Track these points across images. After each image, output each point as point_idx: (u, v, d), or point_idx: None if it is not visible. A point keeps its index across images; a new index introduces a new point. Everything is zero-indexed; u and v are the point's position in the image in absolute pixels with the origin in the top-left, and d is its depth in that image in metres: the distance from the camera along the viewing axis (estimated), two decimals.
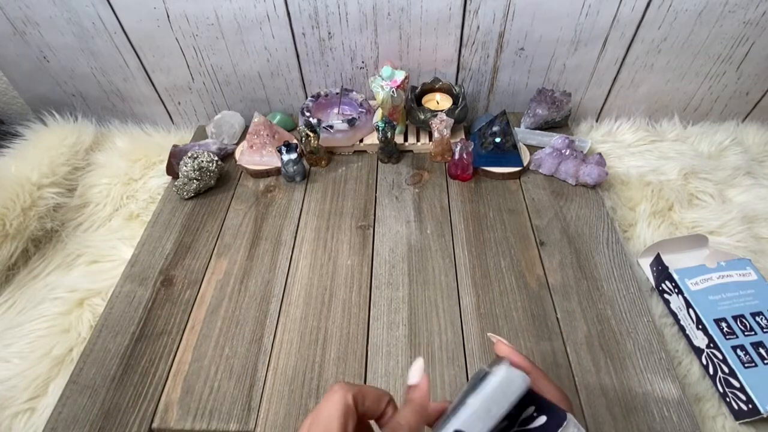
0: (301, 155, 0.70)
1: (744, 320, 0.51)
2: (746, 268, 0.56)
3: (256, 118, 0.72)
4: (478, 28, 0.73)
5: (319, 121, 0.71)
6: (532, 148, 0.75)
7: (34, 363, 0.53)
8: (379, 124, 0.68)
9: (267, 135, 0.72)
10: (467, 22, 0.73)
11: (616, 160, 0.76)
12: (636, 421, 0.45)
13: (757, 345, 0.49)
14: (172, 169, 0.72)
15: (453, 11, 0.71)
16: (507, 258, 0.59)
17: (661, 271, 0.57)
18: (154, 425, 0.46)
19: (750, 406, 0.46)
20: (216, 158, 0.69)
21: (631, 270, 0.57)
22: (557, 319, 0.53)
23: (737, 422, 0.47)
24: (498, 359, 0.31)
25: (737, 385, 0.47)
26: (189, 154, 0.68)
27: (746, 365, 0.48)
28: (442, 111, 0.72)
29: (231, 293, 0.57)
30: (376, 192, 0.69)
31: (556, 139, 0.70)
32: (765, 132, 0.82)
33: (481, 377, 0.28)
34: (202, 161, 0.68)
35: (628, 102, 0.84)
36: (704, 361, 0.51)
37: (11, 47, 0.77)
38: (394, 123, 0.70)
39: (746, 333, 0.50)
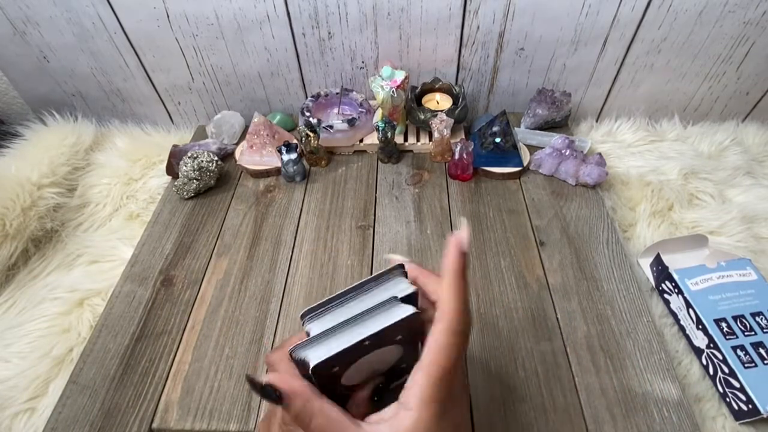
0: (301, 155, 0.70)
1: (744, 320, 0.51)
2: (746, 268, 0.56)
3: (256, 118, 0.72)
4: (478, 28, 0.73)
5: (319, 121, 0.71)
6: (532, 148, 0.75)
7: (34, 363, 0.53)
8: (379, 124, 0.68)
9: (267, 135, 0.72)
10: (467, 22, 0.73)
11: (616, 160, 0.76)
12: (636, 422, 0.45)
13: (757, 345, 0.49)
14: (172, 169, 0.72)
15: (453, 11, 0.71)
16: (507, 258, 0.59)
17: (661, 271, 0.57)
18: (154, 425, 0.46)
19: (750, 406, 0.46)
20: (216, 158, 0.69)
21: (631, 270, 0.57)
22: (557, 319, 0.53)
23: (737, 422, 0.47)
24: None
25: (737, 385, 0.47)
26: (189, 154, 0.68)
27: (746, 365, 0.48)
28: (442, 111, 0.72)
29: (231, 293, 0.57)
30: (376, 192, 0.69)
31: (556, 139, 0.70)
32: (765, 132, 0.82)
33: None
34: (202, 161, 0.68)
35: (628, 102, 0.84)
36: (704, 362, 0.51)
37: (11, 47, 0.77)
38: (394, 123, 0.70)
39: (746, 333, 0.50)
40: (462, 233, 0.29)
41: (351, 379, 0.29)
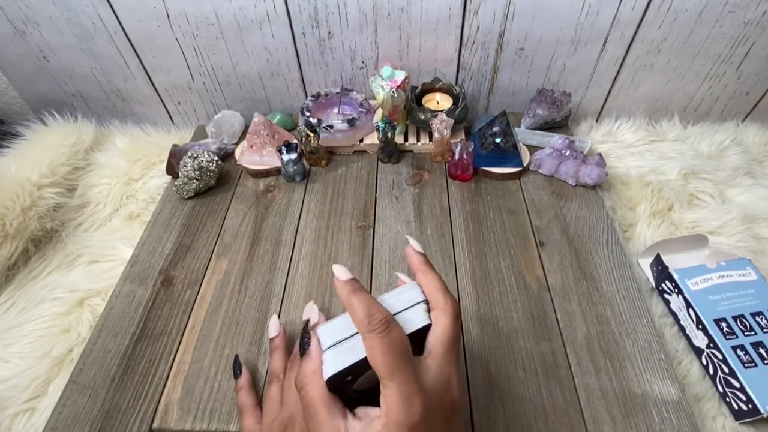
0: (301, 155, 0.70)
1: (744, 320, 0.51)
2: (746, 268, 0.56)
3: (256, 118, 0.72)
4: (478, 28, 0.73)
5: (319, 121, 0.71)
6: (532, 149, 0.75)
7: (34, 363, 0.53)
8: (379, 124, 0.68)
9: (267, 135, 0.72)
10: (467, 22, 0.73)
11: (616, 160, 0.76)
12: (635, 422, 0.45)
13: (757, 345, 0.49)
14: (172, 169, 0.72)
15: (453, 11, 0.71)
16: (507, 258, 0.59)
17: (661, 271, 0.57)
18: (155, 426, 0.46)
19: (750, 406, 0.46)
20: (216, 158, 0.69)
21: (631, 270, 0.57)
22: (557, 319, 0.53)
23: (737, 422, 0.47)
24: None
25: (737, 385, 0.47)
26: (189, 154, 0.68)
27: (746, 365, 0.48)
28: (442, 111, 0.72)
29: (231, 293, 0.57)
30: (376, 192, 0.69)
31: (556, 139, 0.70)
32: (765, 132, 0.82)
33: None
34: (202, 161, 0.68)
35: (628, 102, 0.84)
36: (704, 361, 0.51)
37: (11, 47, 0.77)
38: (394, 123, 0.70)
39: (746, 333, 0.50)
40: (411, 244, 0.35)
41: (361, 385, 0.30)
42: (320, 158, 0.73)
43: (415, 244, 0.34)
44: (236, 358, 0.48)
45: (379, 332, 0.28)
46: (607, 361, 0.49)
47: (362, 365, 0.29)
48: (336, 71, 0.81)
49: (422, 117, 0.73)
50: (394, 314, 0.30)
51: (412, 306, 0.31)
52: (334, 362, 0.29)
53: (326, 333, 0.30)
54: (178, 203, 0.69)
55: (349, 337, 0.30)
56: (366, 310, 0.28)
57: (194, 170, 0.67)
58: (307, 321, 0.34)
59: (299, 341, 0.32)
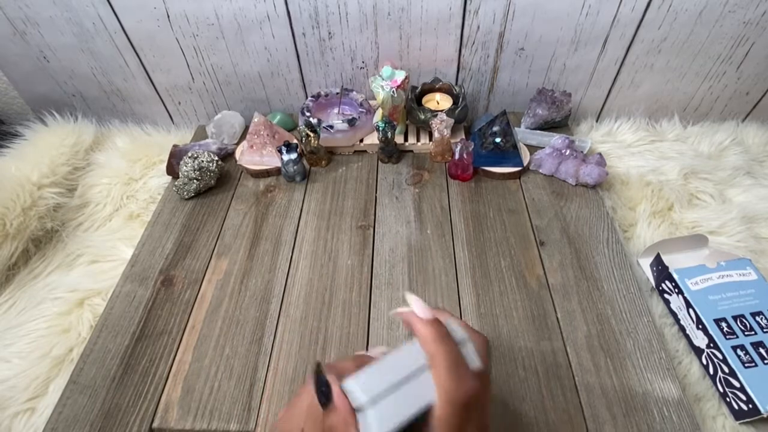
0: (301, 155, 0.70)
1: (744, 320, 0.51)
2: (746, 268, 0.56)
3: (256, 118, 0.72)
4: (478, 28, 0.73)
5: (319, 121, 0.71)
6: (532, 148, 0.75)
7: (34, 363, 0.53)
8: (380, 124, 0.68)
9: (267, 135, 0.72)
10: (467, 22, 0.73)
11: (616, 160, 0.76)
12: (636, 421, 0.45)
13: (757, 345, 0.49)
14: (172, 169, 0.72)
15: (453, 11, 0.71)
16: (507, 258, 0.59)
17: (661, 271, 0.57)
18: (155, 425, 0.46)
19: (750, 406, 0.46)
20: (216, 158, 0.69)
21: (631, 270, 0.57)
22: (557, 319, 0.53)
23: (737, 422, 0.47)
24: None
25: (737, 385, 0.47)
26: (189, 154, 0.68)
27: (746, 365, 0.48)
28: (442, 111, 0.72)
29: (231, 293, 0.57)
30: (376, 192, 0.69)
31: (556, 139, 0.70)
32: (765, 132, 0.82)
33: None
34: (203, 161, 0.68)
35: (628, 102, 0.84)
36: (704, 361, 0.51)
37: (11, 47, 0.77)
38: (394, 123, 0.70)
39: (746, 333, 0.50)
40: (414, 306, 0.29)
41: None
42: (320, 158, 0.73)
43: (418, 307, 0.28)
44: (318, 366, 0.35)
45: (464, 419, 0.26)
46: (607, 360, 0.49)
47: (406, 427, 0.27)
48: (336, 71, 0.81)
49: (422, 117, 0.73)
50: (394, 384, 0.28)
51: (418, 371, 0.28)
52: (380, 424, 0.26)
53: (358, 387, 0.27)
54: (179, 203, 0.69)
55: (386, 392, 0.27)
56: (456, 377, 0.26)
57: (194, 170, 0.67)
58: (318, 363, 0.29)
59: (315, 388, 0.28)
